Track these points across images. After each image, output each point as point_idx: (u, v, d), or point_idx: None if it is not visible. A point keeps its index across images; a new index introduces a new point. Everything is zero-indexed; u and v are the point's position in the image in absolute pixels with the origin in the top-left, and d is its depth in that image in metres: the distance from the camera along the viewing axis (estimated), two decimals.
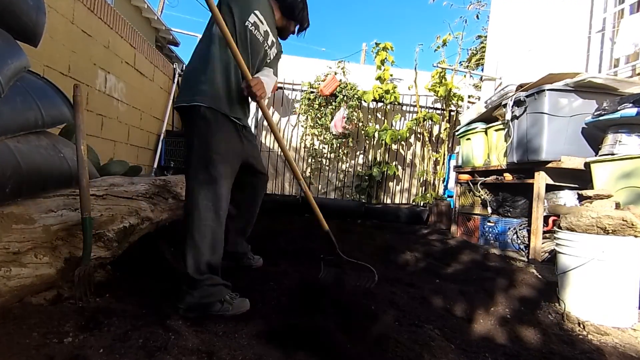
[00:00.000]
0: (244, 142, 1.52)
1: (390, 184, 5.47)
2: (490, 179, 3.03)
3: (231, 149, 1.40)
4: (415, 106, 5.27)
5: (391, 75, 5.20)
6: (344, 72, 5.22)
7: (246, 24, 1.43)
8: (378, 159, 5.35)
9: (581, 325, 1.50)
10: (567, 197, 2.46)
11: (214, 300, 1.30)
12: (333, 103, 5.12)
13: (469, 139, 3.45)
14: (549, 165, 2.40)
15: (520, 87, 2.75)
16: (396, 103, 5.24)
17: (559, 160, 2.36)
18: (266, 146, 5.30)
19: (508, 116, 2.71)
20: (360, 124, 5.23)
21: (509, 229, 2.82)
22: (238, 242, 1.84)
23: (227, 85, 1.40)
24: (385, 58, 5.06)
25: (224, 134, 1.37)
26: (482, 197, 3.15)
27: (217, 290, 1.33)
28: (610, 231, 1.57)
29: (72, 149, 1.65)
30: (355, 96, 5.09)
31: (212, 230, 1.32)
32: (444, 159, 5.16)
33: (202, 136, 1.33)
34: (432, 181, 5.31)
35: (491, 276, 2.04)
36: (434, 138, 5.42)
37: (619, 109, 2.08)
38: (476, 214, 3.27)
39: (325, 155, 5.33)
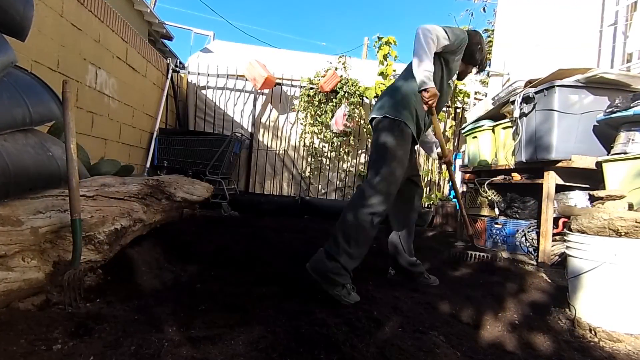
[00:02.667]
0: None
1: None
2: (498, 178, 2.99)
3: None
4: None
5: (394, 70, 5.11)
6: (345, 67, 5.14)
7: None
8: None
9: (593, 332, 1.47)
10: (577, 198, 2.45)
11: (339, 280, 1.51)
12: (334, 99, 5.04)
13: (475, 137, 3.42)
14: (559, 164, 2.38)
15: (529, 83, 2.72)
16: None
17: (570, 160, 2.33)
18: (264, 145, 5.23)
19: (516, 113, 2.69)
20: (362, 121, 5.16)
21: (518, 231, 2.80)
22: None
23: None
24: (388, 53, 4.99)
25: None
26: (490, 197, 3.10)
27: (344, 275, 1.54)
28: (623, 233, 1.54)
29: (61, 147, 1.61)
30: (357, 92, 5.02)
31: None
32: None
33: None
34: (437, 181, 5.25)
35: (499, 280, 2.02)
36: None
37: (632, 105, 2.06)
38: (483, 216, 3.23)
39: (325, 154, 5.26)
